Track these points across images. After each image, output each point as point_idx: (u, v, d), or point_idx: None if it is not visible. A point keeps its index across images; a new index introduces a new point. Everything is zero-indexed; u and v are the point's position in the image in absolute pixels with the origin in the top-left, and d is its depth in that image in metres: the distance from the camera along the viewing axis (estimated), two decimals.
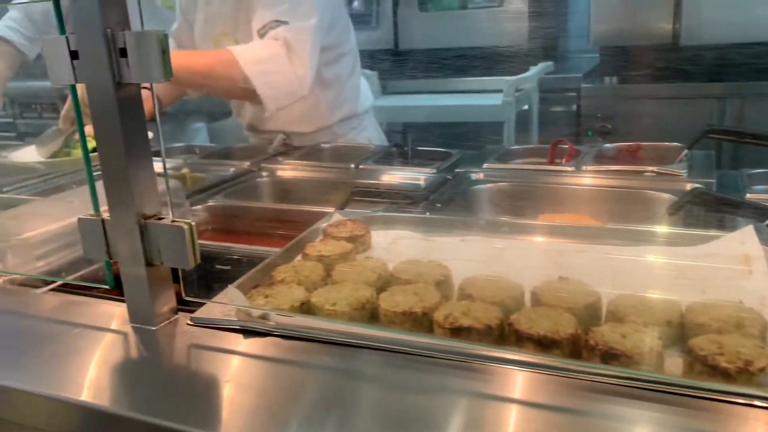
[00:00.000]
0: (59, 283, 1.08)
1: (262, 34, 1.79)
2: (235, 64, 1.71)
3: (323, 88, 2.01)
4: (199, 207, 1.49)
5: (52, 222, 1.14)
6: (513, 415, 0.69)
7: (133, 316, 0.90)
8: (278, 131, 2.09)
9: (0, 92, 2.40)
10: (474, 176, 1.57)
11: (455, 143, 2.04)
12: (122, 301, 0.92)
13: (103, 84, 0.79)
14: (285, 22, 1.77)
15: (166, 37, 0.77)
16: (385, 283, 0.95)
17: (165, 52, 0.77)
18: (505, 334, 0.80)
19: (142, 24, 0.80)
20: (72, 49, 0.80)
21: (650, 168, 1.46)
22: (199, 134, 3.00)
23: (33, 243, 1.11)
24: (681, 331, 0.79)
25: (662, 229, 1.13)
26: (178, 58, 1.71)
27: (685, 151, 1.53)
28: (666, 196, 1.35)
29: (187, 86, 2.02)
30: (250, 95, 1.77)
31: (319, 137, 2.11)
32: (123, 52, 0.78)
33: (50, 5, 0.81)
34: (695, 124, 2.25)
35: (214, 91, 2.08)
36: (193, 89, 2.08)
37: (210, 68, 1.78)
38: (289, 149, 2.04)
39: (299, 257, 1.07)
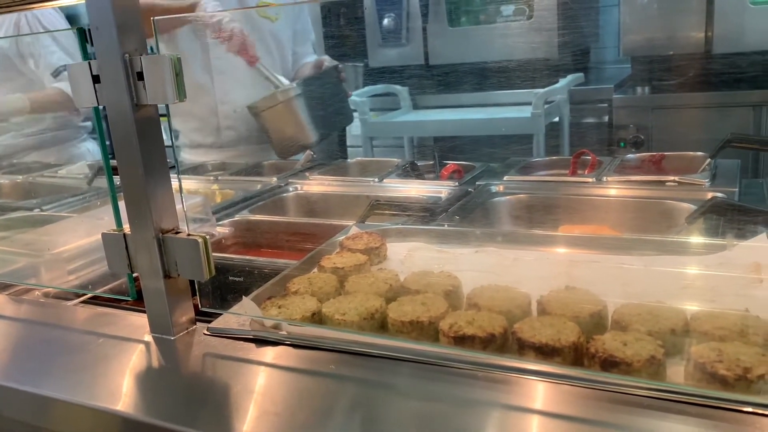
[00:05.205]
0: (89, 295, 1.13)
1: None
2: None
3: None
4: (225, 222, 1.54)
5: (83, 238, 1.20)
6: (512, 421, 0.71)
7: (153, 327, 0.94)
8: None
9: None
10: (494, 188, 1.59)
11: (485, 157, 2.05)
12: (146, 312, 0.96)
13: (122, 106, 0.84)
14: None
15: (179, 60, 0.81)
16: (395, 293, 0.97)
17: (178, 75, 0.81)
18: (508, 343, 0.82)
19: (158, 49, 0.85)
20: (94, 73, 0.85)
21: (671, 178, 1.45)
22: None
23: (65, 258, 1.16)
24: (686, 340, 0.79)
25: (677, 238, 1.12)
26: None
27: (708, 160, 1.52)
28: (686, 205, 1.34)
29: None
30: None
31: None
32: (140, 76, 0.83)
33: None
34: (729, 133, 2.21)
35: None
36: None
37: None
38: (316, 164, 2.08)
39: (315, 269, 1.10)
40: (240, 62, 2.11)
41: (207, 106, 2.26)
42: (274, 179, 1.91)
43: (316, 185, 1.86)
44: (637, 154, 1.68)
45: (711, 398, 0.67)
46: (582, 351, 0.77)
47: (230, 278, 1.16)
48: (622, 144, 3.09)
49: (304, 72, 2.35)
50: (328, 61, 2.25)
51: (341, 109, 2.25)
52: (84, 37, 0.88)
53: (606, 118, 3.21)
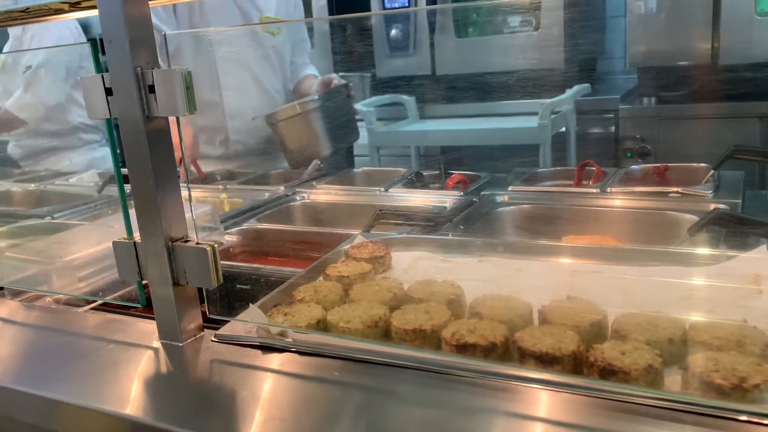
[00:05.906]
0: (99, 302, 1.15)
1: None
2: None
3: None
4: (233, 230, 1.56)
5: (94, 245, 1.22)
6: (513, 427, 0.72)
7: (162, 333, 0.96)
8: None
9: None
10: (499, 198, 1.60)
11: (491, 166, 2.07)
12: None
13: (134, 118, 0.86)
14: None
15: (189, 74, 0.84)
16: (399, 302, 0.99)
17: (189, 88, 0.84)
18: (510, 352, 0.83)
19: (169, 63, 0.87)
20: (107, 86, 0.88)
21: (675, 189, 1.46)
22: None
23: (76, 265, 1.18)
24: (684, 349, 0.80)
25: (679, 249, 1.13)
26: None
27: (712, 171, 1.53)
28: (689, 216, 1.35)
29: None
30: None
31: None
32: (151, 89, 0.85)
33: None
34: (732, 145, 2.23)
35: None
36: None
37: None
38: (323, 174, 2.10)
39: (321, 277, 1.12)
40: (247, 76, 2.15)
41: (216, 119, 2.30)
42: (282, 188, 1.93)
43: (323, 194, 1.88)
44: (642, 165, 1.69)
45: (707, 407, 0.68)
46: (582, 360, 0.78)
47: (237, 286, 1.18)
48: (629, 155, 3.10)
49: (309, 87, 2.39)
50: (336, 80, 2.29)
51: (351, 125, 2.31)
52: (97, 48, 0.91)
53: (612, 129, 3.22)
